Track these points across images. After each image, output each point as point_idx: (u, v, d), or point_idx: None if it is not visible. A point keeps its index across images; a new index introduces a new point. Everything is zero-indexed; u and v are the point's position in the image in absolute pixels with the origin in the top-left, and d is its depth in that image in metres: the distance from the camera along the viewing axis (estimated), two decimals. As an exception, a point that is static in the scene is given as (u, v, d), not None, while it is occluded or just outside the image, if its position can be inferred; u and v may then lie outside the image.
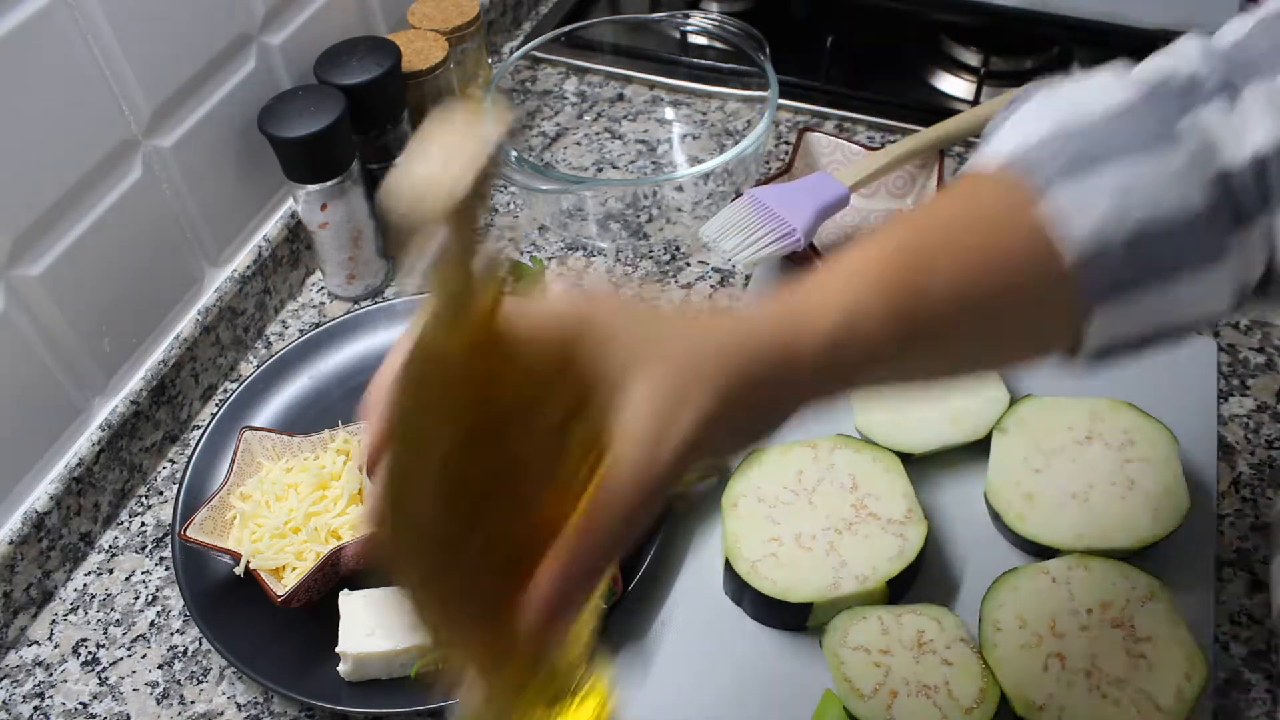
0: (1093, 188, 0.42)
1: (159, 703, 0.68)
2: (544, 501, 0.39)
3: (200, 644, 0.70)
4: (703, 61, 1.04)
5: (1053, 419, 0.71)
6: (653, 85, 1.05)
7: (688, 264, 0.90)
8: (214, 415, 0.78)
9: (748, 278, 0.88)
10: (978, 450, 0.74)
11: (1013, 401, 0.73)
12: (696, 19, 0.99)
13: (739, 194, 0.86)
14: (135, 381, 0.77)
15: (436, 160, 0.33)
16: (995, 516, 0.69)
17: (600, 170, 0.99)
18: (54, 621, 0.72)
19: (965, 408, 0.74)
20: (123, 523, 0.77)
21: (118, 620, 0.72)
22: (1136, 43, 0.92)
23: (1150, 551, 0.67)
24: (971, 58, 1.03)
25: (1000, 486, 0.69)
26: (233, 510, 0.70)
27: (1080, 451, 0.70)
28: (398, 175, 0.33)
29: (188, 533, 0.67)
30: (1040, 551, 0.67)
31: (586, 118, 1.04)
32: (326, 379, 0.82)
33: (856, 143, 0.91)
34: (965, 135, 0.89)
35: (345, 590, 0.67)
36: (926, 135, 0.88)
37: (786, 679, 0.65)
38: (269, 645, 0.67)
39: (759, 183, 0.88)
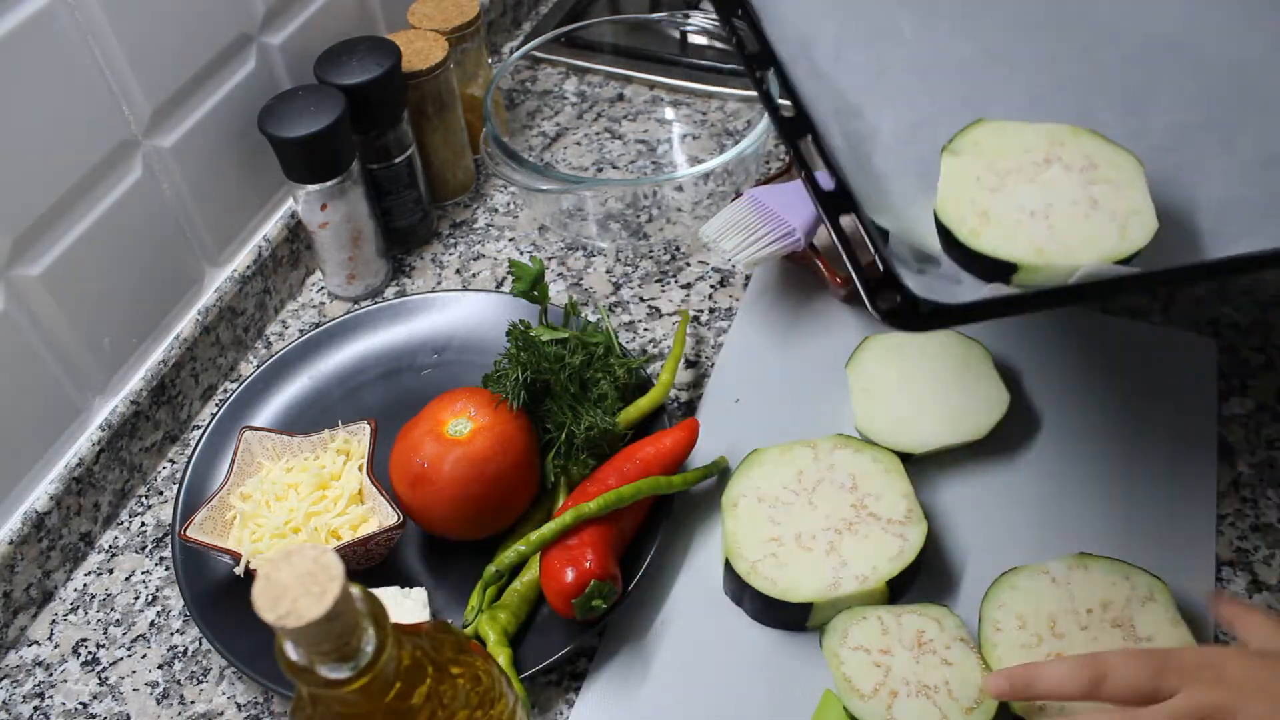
0: None
1: (159, 703, 0.68)
2: None
3: (200, 644, 0.70)
4: (703, 61, 1.04)
5: (1009, 142, 0.66)
6: (653, 85, 1.05)
7: (688, 264, 0.90)
8: (214, 415, 0.78)
9: (747, 278, 0.88)
10: (978, 450, 0.74)
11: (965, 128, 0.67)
12: (696, 19, 0.99)
13: (739, 194, 0.86)
14: (135, 381, 0.77)
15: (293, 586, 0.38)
16: (945, 235, 0.63)
17: (600, 170, 0.99)
18: (54, 621, 0.72)
19: (965, 407, 0.74)
20: (123, 523, 0.77)
21: (118, 620, 0.72)
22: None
23: (1146, 546, 0.67)
24: (971, 58, 1.03)
25: (952, 202, 0.62)
26: (233, 510, 0.70)
27: (1038, 172, 0.64)
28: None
29: (188, 533, 0.67)
30: (998, 270, 0.61)
31: (586, 118, 1.04)
32: (326, 379, 0.82)
33: None
34: None
35: (345, 590, 0.67)
36: None
37: (786, 679, 0.65)
38: (269, 645, 0.66)
39: (759, 183, 0.88)
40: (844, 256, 0.53)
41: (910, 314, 0.50)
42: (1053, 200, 0.62)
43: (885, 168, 0.64)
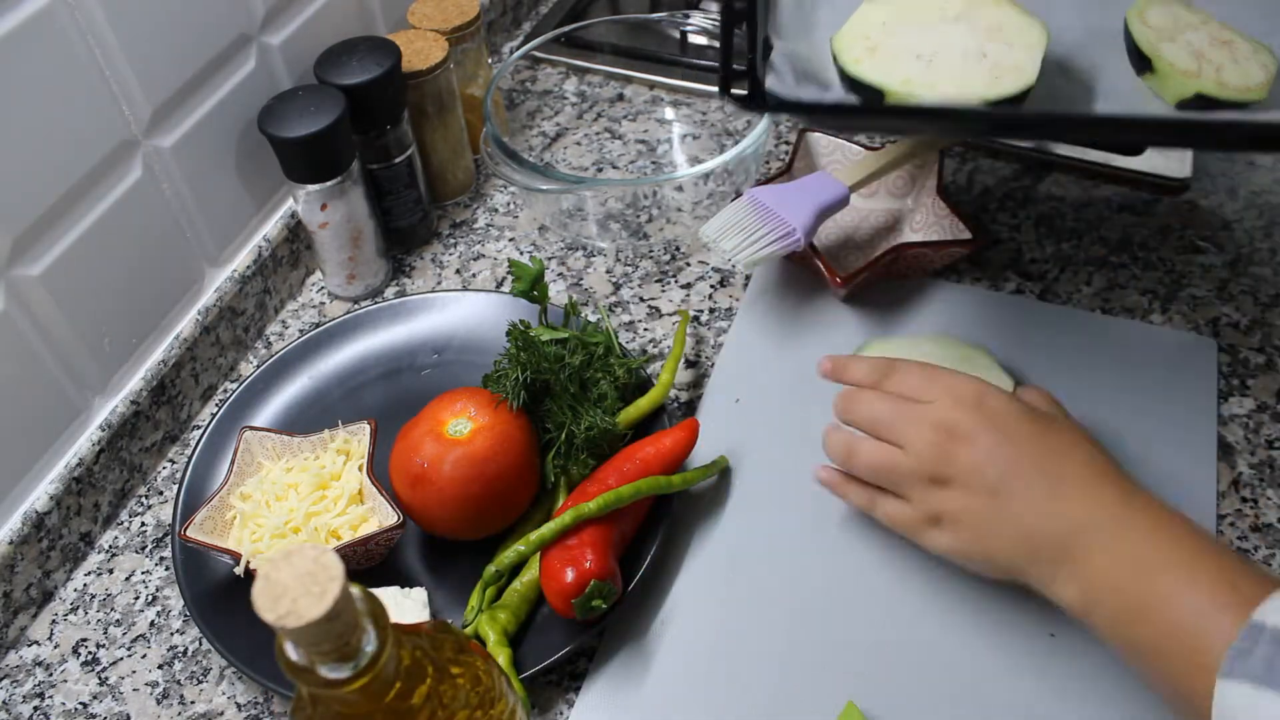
0: None
1: (159, 703, 0.68)
2: None
3: (200, 644, 0.70)
4: (703, 61, 1.04)
5: (928, 2, 0.69)
6: (653, 85, 1.05)
7: (688, 264, 0.90)
8: (214, 415, 0.78)
9: (747, 278, 0.88)
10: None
11: None
12: (696, 19, 0.99)
13: (739, 194, 0.86)
14: (135, 381, 0.77)
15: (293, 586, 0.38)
16: (835, 62, 0.66)
17: (600, 170, 0.99)
18: (54, 621, 0.72)
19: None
20: (123, 523, 0.77)
21: (118, 620, 0.72)
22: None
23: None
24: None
25: (848, 36, 0.66)
26: (233, 510, 0.70)
27: (944, 27, 0.67)
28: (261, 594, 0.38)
29: (188, 533, 0.67)
30: (871, 96, 0.65)
31: (586, 118, 1.04)
32: (326, 379, 0.82)
33: (856, 143, 0.91)
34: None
35: (345, 590, 0.67)
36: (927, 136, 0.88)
37: (788, 679, 0.65)
38: (269, 645, 0.66)
39: (759, 183, 0.88)
40: (720, 58, 0.63)
41: (757, 101, 0.62)
42: (942, 48, 0.66)
43: (825, 19, 0.70)
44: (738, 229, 0.81)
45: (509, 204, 0.97)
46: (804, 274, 0.87)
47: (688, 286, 0.88)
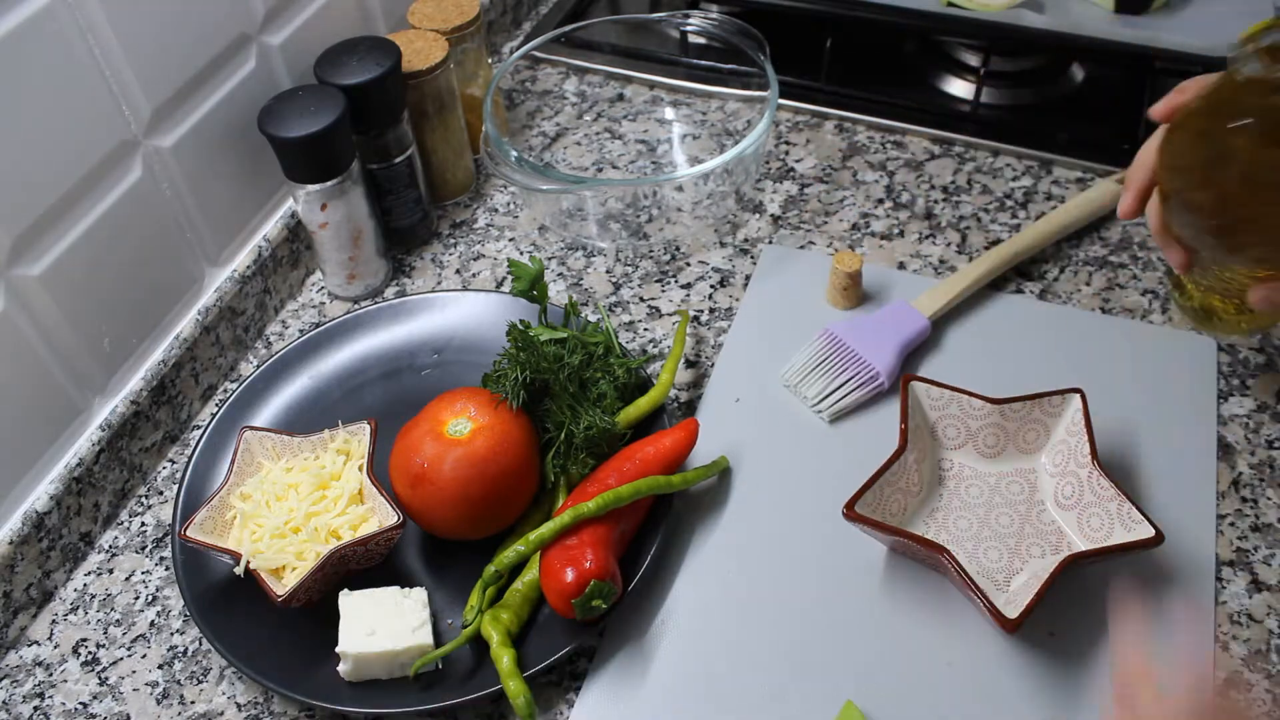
0: None
1: (159, 703, 0.68)
2: None
3: (200, 644, 0.70)
4: (703, 61, 1.04)
5: None
6: (653, 85, 1.05)
7: (688, 264, 0.90)
8: (214, 415, 0.78)
9: (747, 278, 0.88)
10: (978, 450, 0.73)
11: None
12: (696, 19, 0.99)
13: (824, 331, 0.81)
14: (135, 381, 0.77)
15: None
16: None
17: (600, 170, 0.99)
18: (54, 621, 0.72)
19: None
20: (123, 523, 0.77)
21: (118, 620, 0.72)
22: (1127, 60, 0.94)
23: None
24: (971, 58, 1.03)
25: None
26: (233, 510, 0.70)
27: None
28: None
29: (188, 533, 0.67)
30: None
31: (586, 118, 1.04)
32: (326, 379, 0.82)
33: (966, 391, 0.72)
34: (1034, 249, 0.85)
35: (345, 590, 0.67)
36: (1000, 252, 0.84)
37: (786, 678, 0.65)
38: (269, 645, 0.67)
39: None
40: None
41: None
42: None
43: None
44: (819, 374, 0.78)
45: (509, 204, 0.97)
46: (804, 272, 0.87)
47: (688, 286, 0.88)
